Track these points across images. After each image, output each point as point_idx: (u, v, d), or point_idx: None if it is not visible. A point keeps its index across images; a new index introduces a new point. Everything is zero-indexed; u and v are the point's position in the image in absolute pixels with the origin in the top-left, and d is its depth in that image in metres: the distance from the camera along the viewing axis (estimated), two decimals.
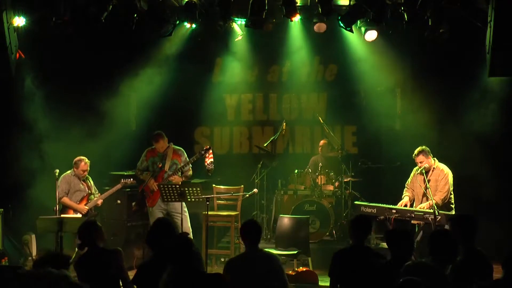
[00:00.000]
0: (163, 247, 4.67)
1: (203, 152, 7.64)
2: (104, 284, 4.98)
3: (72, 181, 7.72)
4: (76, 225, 6.96)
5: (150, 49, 9.57)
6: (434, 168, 7.22)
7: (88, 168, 7.80)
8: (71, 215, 7.55)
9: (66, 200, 7.65)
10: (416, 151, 7.25)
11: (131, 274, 5.12)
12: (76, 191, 7.71)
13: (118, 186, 7.93)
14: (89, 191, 7.80)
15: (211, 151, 7.66)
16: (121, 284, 5.11)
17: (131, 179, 7.93)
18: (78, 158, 7.78)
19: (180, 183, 7.62)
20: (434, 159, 7.26)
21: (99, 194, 7.96)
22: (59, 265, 4.49)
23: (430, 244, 4.54)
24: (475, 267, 4.54)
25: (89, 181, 7.92)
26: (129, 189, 8.28)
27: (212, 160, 7.62)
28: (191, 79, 10.21)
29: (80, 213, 7.63)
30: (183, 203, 7.44)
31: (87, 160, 7.77)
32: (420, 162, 7.20)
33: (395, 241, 4.77)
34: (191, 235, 7.26)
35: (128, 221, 8.23)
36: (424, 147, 7.27)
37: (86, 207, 7.68)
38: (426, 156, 7.20)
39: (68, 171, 7.78)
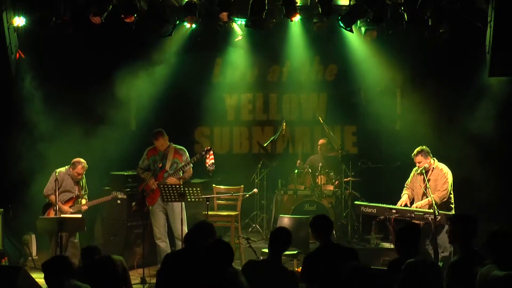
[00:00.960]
0: (198, 245, 4.71)
1: (203, 153, 7.64)
2: None
3: (65, 180, 7.64)
4: (76, 225, 7.00)
5: (150, 49, 9.57)
6: (433, 168, 7.22)
7: (84, 172, 7.73)
8: (67, 215, 7.49)
9: (52, 198, 7.56)
10: (415, 151, 7.24)
11: (131, 274, 5.14)
12: (66, 191, 7.63)
13: (108, 197, 7.88)
14: (78, 194, 7.74)
15: (211, 152, 7.65)
16: None
17: (122, 193, 7.90)
18: (77, 159, 7.69)
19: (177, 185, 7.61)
20: (433, 159, 7.26)
21: (86, 198, 7.86)
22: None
23: (491, 247, 4.35)
24: (470, 268, 4.52)
25: (82, 182, 7.86)
26: (129, 189, 8.28)
27: (213, 161, 7.62)
28: (191, 79, 10.22)
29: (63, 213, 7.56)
30: (183, 205, 7.43)
31: (85, 164, 7.68)
32: (419, 162, 7.19)
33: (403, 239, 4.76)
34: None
35: (128, 221, 8.23)
36: (423, 147, 7.26)
37: (70, 210, 7.62)
38: (425, 156, 7.19)
39: (63, 168, 7.70)
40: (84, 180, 7.88)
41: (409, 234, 4.80)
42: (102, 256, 5.18)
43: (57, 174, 7.50)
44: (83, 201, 7.79)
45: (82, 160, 7.68)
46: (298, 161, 9.62)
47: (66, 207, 7.59)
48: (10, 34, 7.20)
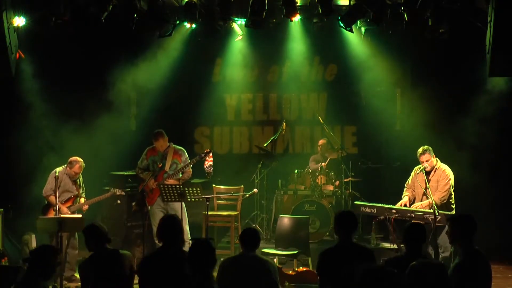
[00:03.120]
0: (172, 242, 4.78)
1: (203, 155, 7.63)
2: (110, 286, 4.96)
3: (63, 180, 7.60)
4: (76, 225, 6.99)
5: (150, 49, 9.58)
6: (436, 168, 7.18)
7: (81, 171, 7.72)
8: (66, 214, 7.48)
9: (52, 198, 7.53)
10: (420, 150, 7.19)
11: None
12: (65, 191, 7.61)
13: (107, 194, 7.85)
14: (77, 193, 7.73)
15: (211, 154, 7.64)
16: None
17: (121, 190, 7.87)
18: (74, 158, 7.65)
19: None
20: (436, 159, 7.24)
21: (84, 197, 7.84)
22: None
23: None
24: (474, 267, 4.52)
25: (79, 180, 7.85)
26: (129, 189, 8.27)
27: (211, 163, 7.61)
28: (191, 79, 10.23)
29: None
30: (183, 205, 7.43)
31: (82, 163, 7.66)
32: (426, 161, 7.13)
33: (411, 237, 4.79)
34: (189, 236, 7.27)
35: (128, 221, 8.23)
36: (427, 146, 7.23)
37: (68, 211, 7.58)
38: (430, 155, 7.17)
39: (60, 168, 7.68)
40: (81, 179, 7.86)
41: (415, 233, 4.83)
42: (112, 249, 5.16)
43: (57, 174, 7.49)
44: (82, 200, 7.77)
45: (79, 159, 7.66)
46: (323, 164, 9.39)
47: (64, 208, 7.55)
48: (10, 34, 7.20)
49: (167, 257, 4.77)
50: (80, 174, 7.81)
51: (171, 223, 4.97)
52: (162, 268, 4.71)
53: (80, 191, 7.80)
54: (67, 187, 7.61)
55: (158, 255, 4.91)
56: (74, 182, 7.72)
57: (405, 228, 4.95)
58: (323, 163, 9.20)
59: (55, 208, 7.42)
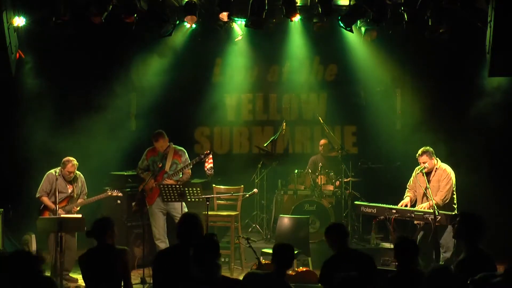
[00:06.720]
0: (189, 239, 4.79)
1: (202, 156, 7.63)
2: (108, 282, 4.98)
3: (56, 181, 7.63)
4: (76, 225, 7.00)
5: (150, 49, 9.58)
6: (437, 168, 7.19)
7: (75, 170, 7.68)
8: (66, 215, 7.48)
9: (44, 199, 7.60)
10: (420, 151, 7.20)
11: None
12: (59, 192, 7.61)
13: (102, 195, 7.85)
14: (72, 194, 7.72)
15: (211, 156, 7.64)
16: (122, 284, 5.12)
17: (117, 191, 7.88)
18: (66, 158, 7.66)
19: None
20: (437, 160, 7.24)
21: (85, 198, 7.84)
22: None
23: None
24: (477, 266, 4.51)
25: (79, 181, 7.81)
26: (129, 189, 8.28)
27: (212, 165, 7.62)
28: (191, 79, 10.22)
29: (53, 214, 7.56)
30: (184, 204, 7.44)
31: (75, 162, 7.66)
32: (423, 163, 7.16)
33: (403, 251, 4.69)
34: None
35: (128, 221, 8.23)
36: (428, 147, 7.23)
37: (62, 211, 7.60)
38: (429, 157, 7.16)
39: (55, 169, 7.69)
40: (81, 180, 7.85)
41: (406, 249, 4.70)
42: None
43: (57, 174, 7.50)
44: (79, 201, 7.78)
45: (71, 158, 7.67)
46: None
47: (60, 210, 7.58)
48: (10, 34, 7.21)
49: (180, 254, 4.77)
50: (82, 176, 7.81)
51: (188, 220, 4.99)
52: (175, 264, 4.73)
53: (78, 192, 7.78)
54: (60, 188, 7.62)
55: (172, 250, 4.95)
56: (69, 183, 7.72)
57: (395, 245, 4.81)
58: (321, 164, 9.17)
59: (53, 209, 7.44)
